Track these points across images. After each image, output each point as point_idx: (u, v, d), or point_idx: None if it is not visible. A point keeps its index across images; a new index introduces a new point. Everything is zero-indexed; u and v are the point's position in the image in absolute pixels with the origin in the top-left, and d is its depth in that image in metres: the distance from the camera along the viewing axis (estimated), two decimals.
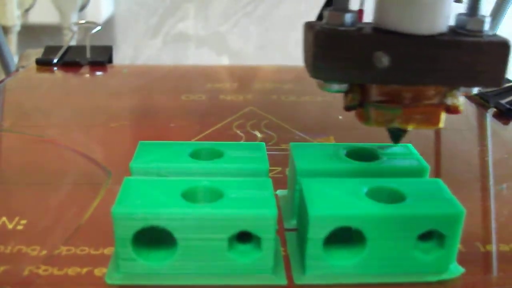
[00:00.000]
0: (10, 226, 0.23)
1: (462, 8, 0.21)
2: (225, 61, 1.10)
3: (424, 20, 0.19)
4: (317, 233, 0.19)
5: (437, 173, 0.29)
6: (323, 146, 0.24)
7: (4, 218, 0.23)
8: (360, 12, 0.22)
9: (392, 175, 0.22)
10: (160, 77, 0.47)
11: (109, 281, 0.19)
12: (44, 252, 0.21)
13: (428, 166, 0.23)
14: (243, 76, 0.48)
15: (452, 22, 0.21)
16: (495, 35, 0.20)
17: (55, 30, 0.93)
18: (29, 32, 0.94)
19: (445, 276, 0.20)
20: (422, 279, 0.20)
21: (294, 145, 0.24)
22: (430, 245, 0.20)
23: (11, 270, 0.20)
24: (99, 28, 0.49)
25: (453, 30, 0.20)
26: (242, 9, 1.08)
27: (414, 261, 0.20)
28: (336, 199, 0.20)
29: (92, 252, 0.21)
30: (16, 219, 0.23)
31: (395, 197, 0.20)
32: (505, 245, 0.22)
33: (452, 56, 0.19)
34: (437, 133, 0.35)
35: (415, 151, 0.24)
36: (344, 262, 0.20)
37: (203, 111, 0.39)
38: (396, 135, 0.23)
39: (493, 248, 0.22)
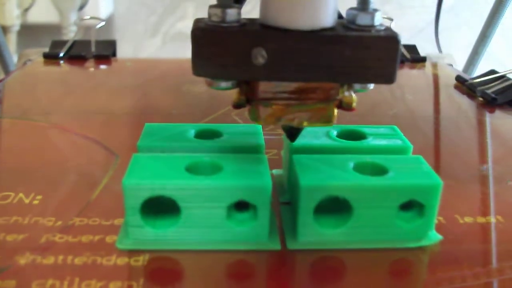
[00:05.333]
0: (26, 201, 0.24)
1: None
2: None
3: (303, 15, 0.19)
4: (307, 202, 0.21)
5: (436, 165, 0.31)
6: (316, 127, 0.26)
7: (21, 194, 0.25)
8: None
9: (377, 153, 0.24)
10: (161, 69, 0.49)
11: (119, 246, 0.21)
12: (59, 222, 0.23)
13: (411, 146, 0.25)
14: None
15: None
16: (387, 29, 0.19)
17: (54, 29, 0.95)
18: (28, 32, 0.96)
19: (424, 243, 0.22)
20: (403, 245, 0.22)
21: None
22: (411, 214, 0.22)
23: (29, 238, 0.22)
24: (103, 23, 0.51)
25: (342, 25, 0.20)
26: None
27: (396, 229, 0.22)
28: (325, 172, 0.22)
29: (103, 222, 0.23)
30: (32, 195, 0.25)
31: (379, 171, 0.22)
32: (481, 218, 0.24)
33: (336, 51, 0.19)
34: (436, 121, 0.37)
35: (400, 132, 0.26)
36: (333, 230, 0.22)
37: (204, 100, 0.41)
38: (290, 133, 0.22)
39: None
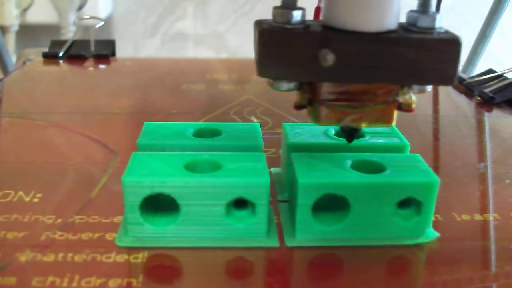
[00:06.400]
0: (27, 199, 0.25)
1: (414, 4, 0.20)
2: None
3: (370, 17, 0.19)
4: (305, 199, 0.21)
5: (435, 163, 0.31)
6: (314, 126, 0.26)
7: (21, 192, 0.25)
8: (317, 9, 0.22)
9: (375, 151, 0.24)
10: (161, 69, 0.49)
11: (119, 244, 0.21)
12: (59, 220, 0.23)
13: (409, 144, 0.25)
14: (240, 69, 0.50)
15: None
16: (446, 32, 0.20)
17: (53, 29, 0.94)
18: (27, 32, 0.96)
19: (421, 240, 0.22)
20: (401, 242, 0.22)
21: (287, 125, 0.26)
22: (409, 212, 0.22)
23: (29, 235, 0.22)
24: (102, 22, 0.51)
25: (403, 27, 0.20)
26: (240, 8, 1.10)
27: (394, 226, 0.22)
28: (323, 170, 0.22)
29: (103, 220, 0.23)
30: (32, 193, 0.25)
31: (377, 169, 0.22)
32: (479, 215, 0.25)
33: (400, 53, 0.19)
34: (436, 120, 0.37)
35: (397, 131, 0.26)
36: (331, 227, 0.22)
37: (203, 100, 0.41)
38: (349, 134, 0.22)
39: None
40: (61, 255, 0.21)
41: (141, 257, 0.21)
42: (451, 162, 0.31)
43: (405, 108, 0.21)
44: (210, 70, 0.49)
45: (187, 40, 1.13)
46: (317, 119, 0.21)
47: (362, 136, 0.25)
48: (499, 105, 0.40)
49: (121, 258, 0.21)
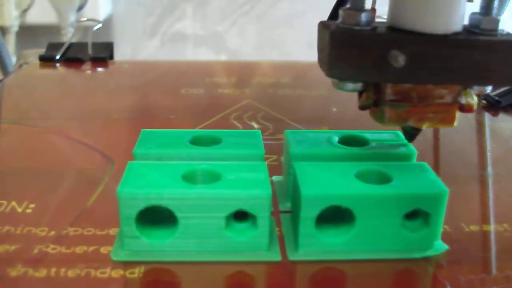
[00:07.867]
0: (19, 210, 0.24)
1: (475, 7, 0.21)
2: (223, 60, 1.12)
3: (440, 20, 0.20)
4: (309, 212, 0.20)
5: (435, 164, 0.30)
6: (316, 133, 0.25)
7: (13, 203, 0.24)
8: (372, 11, 0.22)
9: (380, 159, 0.23)
10: (159, 72, 0.48)
11: (114, 258, 0.20)
12: (53, 232, 0.22)
13: (416, 152, 0.24)
14: (240, 71, 0.49)
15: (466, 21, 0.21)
16: (509, 34, 0.20)
17: (53, 30, 0.94)
18: (27, 33, 0.95)
19: (430, 253, 0.21)
20: (408, 255, 0.21)
21: (289, 132, 0.25)
22: (416, 223, 0.21)
23: (22, 249, 0.21)
24: (100, 25, 0.50)
25: (467, 30, 0.20)
26: (239, 9, 1.09)
27: (401, 238, 0.21)
28: (327, 180, 0.21)
29: (98, 232, 0.22)
30: (25, 203, 0.24)
31: (383, 179, 0.22)
32: (487, 226, 0.24)
33: (467, 55, 0.20)
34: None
35: (403, 138, 0.25)
36: (335, 240, 0.21)
37: (202, 104, 0.40)
38: (410, 134, 0.23)
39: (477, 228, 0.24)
40: (53, 270, 0.20)
41: (137, 272, 0.20)
42: (456, 169, 0.30)
43: (467, 109, 0.21)
44: (210, 73, 0.48)
45: (186, 40, 1.12)
46: (381, 119, 0.21)
47: (366, 143, 0.25)
48: (505, 109, 0.39)
49: (116, 273, 0.20)
